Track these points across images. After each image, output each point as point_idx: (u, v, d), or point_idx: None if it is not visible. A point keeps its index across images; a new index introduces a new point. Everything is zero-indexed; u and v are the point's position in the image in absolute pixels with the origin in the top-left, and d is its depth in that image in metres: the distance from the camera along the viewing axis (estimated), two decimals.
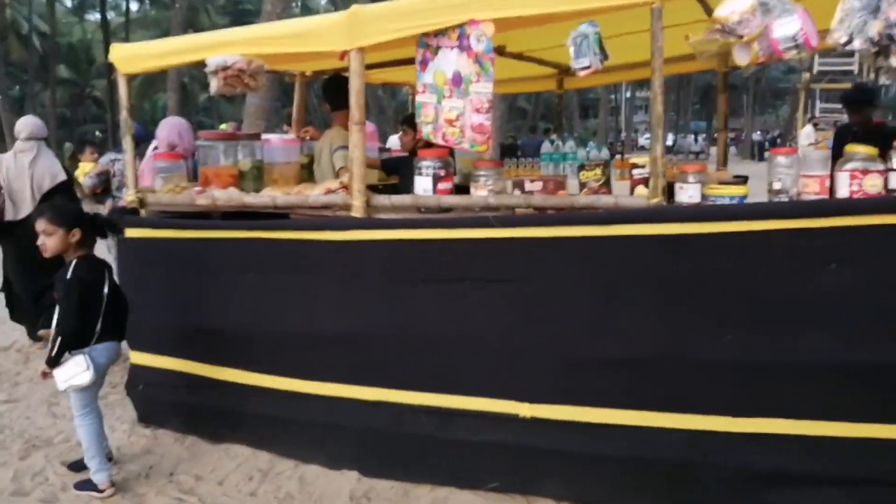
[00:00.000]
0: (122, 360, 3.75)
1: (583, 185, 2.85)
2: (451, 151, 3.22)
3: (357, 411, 3.07)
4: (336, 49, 3.02)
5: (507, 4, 2.68)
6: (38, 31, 33.46)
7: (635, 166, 2.81)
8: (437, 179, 3.04)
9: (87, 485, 3.03)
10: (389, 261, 3.01)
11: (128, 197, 3.62)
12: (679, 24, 3.28)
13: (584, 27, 2.65)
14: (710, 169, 4.09)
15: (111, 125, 31.89)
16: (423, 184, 3.07)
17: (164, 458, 3.37)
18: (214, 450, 3.41)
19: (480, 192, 3.00)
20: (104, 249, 4.34)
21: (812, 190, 2.56)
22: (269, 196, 3.36)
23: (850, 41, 2.34)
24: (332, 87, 4.15)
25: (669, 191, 2.70)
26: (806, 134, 15.45)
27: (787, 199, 2.59)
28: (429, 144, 3.13)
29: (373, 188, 3.34)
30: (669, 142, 38.27)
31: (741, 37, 2.45)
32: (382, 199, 3.10)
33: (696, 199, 2.65)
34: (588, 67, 2.63)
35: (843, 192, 2.55)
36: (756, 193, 2.77)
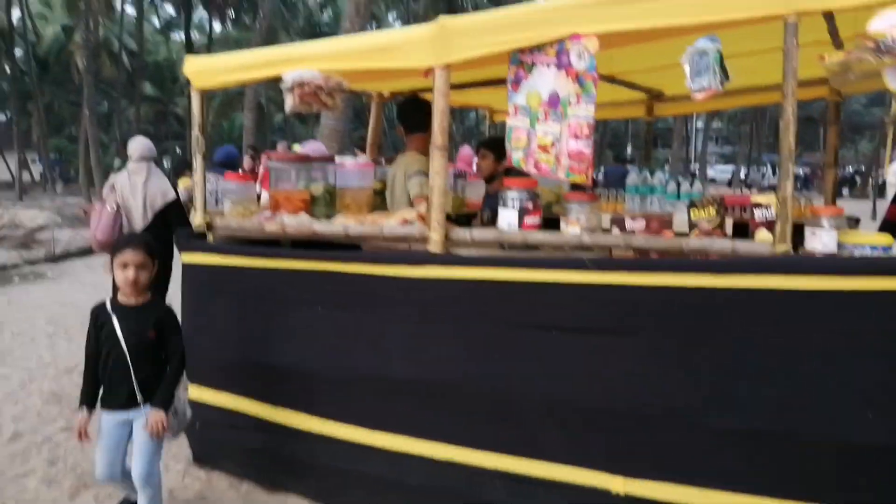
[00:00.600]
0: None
1: (692, 226, 2.49)
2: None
3: (424, 469, 2.77)
4: (421, 65, 2.76)
5: (616, 17, 2.36)
6: (127, 49, 34.96)
7: (757, 206, 2.43)
8: (523, 213, 2.74)
9: None
10: (467, 302, 2.71)
11: (195, 219, 3.45)
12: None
13: (703, 43, 2.31)
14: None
15: (190, 142, 32.88)
16: (507, 217, 2.76)
17: None
18: (271, 500, 3.17)
19: (572, 229, 2.68)
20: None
21: None
22: (341, 225, 3.11)
23: None
24: (409, 108, 3.91)
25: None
26: (894, 171, 14.48)
27: None
28: (509, 171, 2.85)
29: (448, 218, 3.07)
30: (742, 174, 36.93)
31: None
32: (462, 233, 2.81)
33: (832, 247, 2.25)
34: (706, 89, 2.29)
35: None
36: None
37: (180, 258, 3.47)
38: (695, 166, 33.14)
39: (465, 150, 6.67)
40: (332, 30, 33.64)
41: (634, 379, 2.41)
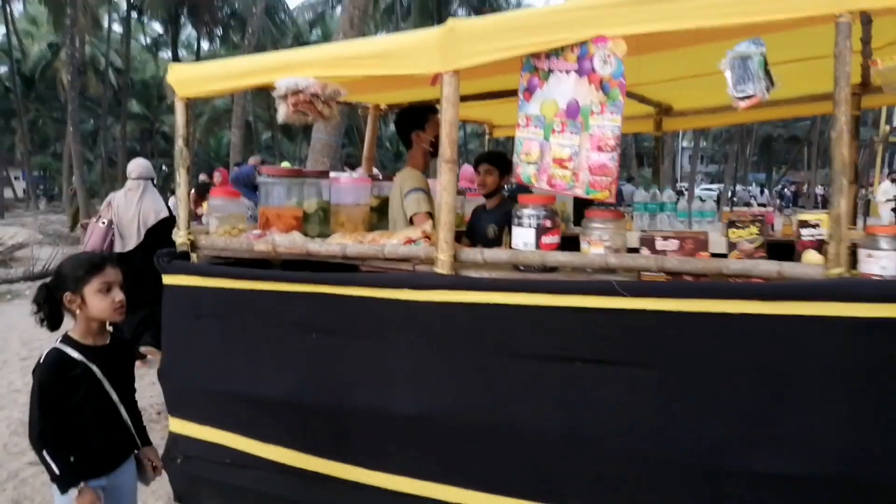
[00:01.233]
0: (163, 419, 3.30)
1: (731, 246, 2.25)
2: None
3: None
4: (427, 71, 2.53)
5: (647, 17, 2.13)
6: (113, 66, 34.68)
7: (804, 224, 2.21)
8: (541, 231, 2.50)
9: None
10: (480, 329, 2.45)
11: (178, 238, 3.17)
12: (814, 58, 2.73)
13: (745, 47, 2.09)
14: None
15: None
16: (523, 236, 2.52)
17: None
18: None
19: (595, 250, 2.44)
20: None
21: None
22: (338, 244, 2.86)
23: None
24: (404, 120, 3.67)
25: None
26: (884, 190, 14.42)
27: None
28: (519, 189, 2.61)
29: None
30: (729, 193, 36.90)
31: None
32: (473, 254, 2.56)
33: (892, 271, 2.02)
34: (751, 97, 2.07)
35: None
36: None
37: (162, 280, 3.19)
38: (681, 185, 33.02)
39: (466, 169, 6.48)
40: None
41: (668, 417, 2.16)
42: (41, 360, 2.14)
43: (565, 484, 2.32)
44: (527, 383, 2.37)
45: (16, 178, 38.94)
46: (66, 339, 2.20)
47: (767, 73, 2.08)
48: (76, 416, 2.15)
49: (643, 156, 46.03)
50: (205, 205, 9.40)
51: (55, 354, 2.15)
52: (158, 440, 3.99)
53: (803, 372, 1.99)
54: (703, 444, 2.11)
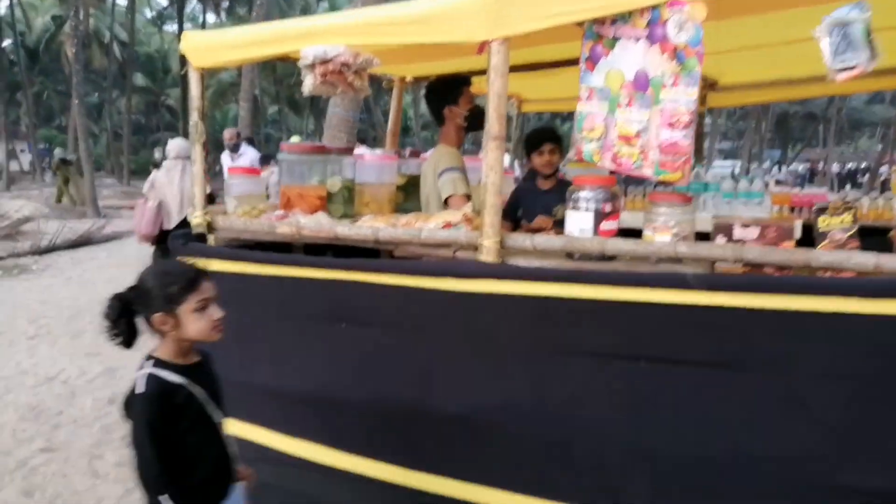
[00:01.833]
0: None
1: (821, 236, 2.02)
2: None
3: None
4: (473, 39, 2.27)
5: None
6: (118, 39, 34.27)
7: None
8: (600, 216, 2.26)
9: None
10: (530, 324, 2.23)
11: (194, 218, 2.95)
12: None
13: (845, 12, 1.83)
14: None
15: (183, 133, 32.35)
16: (580, 221, 2.29)
17: None
18: None
19: (662, 237, 2.20)
20: None
21: None
22: (370, 228, 2.63)
23: None
24: (435, 93, 3.42)
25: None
26: None
27: None
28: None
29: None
30: (745, 170, 36.35)
31: None
32: (521, 240, 2.32)
33: None
34: (852, 68, 1.81)
35: None
36: None
37: None
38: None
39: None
40: None
41: (745, 425, 1.94)
42: (138, 392, 1.76)
43: (627, 493, 2.11)
44: (584, 384, 2.15)
45: (21, 150, 38.67)
46: (158, 362, 1.83)
47: (870, 41, 1.83)
48: (182, 449, 1.78)
49: None
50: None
51: (156, 383, 1.78)
52: None
53: None
54: (783, 455, 1.90)
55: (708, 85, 4.13)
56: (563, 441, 2.17)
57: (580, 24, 2.19)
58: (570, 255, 2.32)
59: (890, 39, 2.03)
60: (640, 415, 2.07)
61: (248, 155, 8.35)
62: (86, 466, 3.31)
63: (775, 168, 32.70)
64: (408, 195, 3.90)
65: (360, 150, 3.63)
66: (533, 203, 3.75)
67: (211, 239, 2.95)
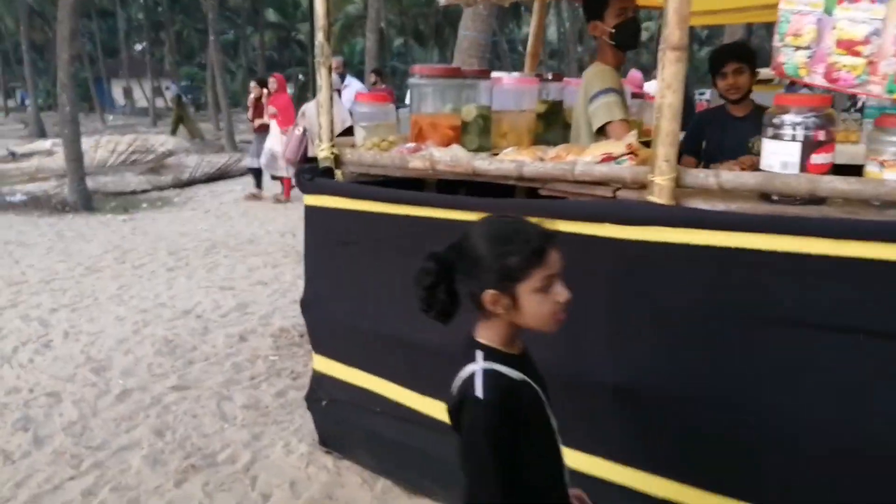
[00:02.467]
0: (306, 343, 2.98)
1: None
2: None
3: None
4: None
5: None
6: None
7: None
8: (809, 147, 1.78)
9: None
10: (715, 283, 1.82)
11: (320, 151, 2.71)
12: None
13: None
14: None
15: (311, 68, 32.91)
16: (782, 153, 1.81)
17: None
18: None
19: (893, 174, 1.70)
20: None
21: None
22: (513, 162, 2.27)
23: None
24: (586, 9, 2.95)
25: None
26: None
27: None
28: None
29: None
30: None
31: None
32: (703, 177, 1.89)
33: None
34: None
35: None
36: None
37: (303, 200, 2.77)
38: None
39: (635, 74, 5.67)
40: None
41: None
42: (476, 395, 1.30)
43: (832, 491, 1.70)
44: (779, 360, 1.73)
45: (167, 88, 40.96)
46: (491, 353, 1.38)
47: None
48: (521, 467, 1.31)
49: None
50: (264, 116, 9.13)
51: (496, 382, 1.32)
52: (301, 367, 3.75)
53: None
54: None
55: None
56: (748, 429, 1.78)
57: None
58: (765, 197, 1.86)
59: None
60: (855, 400, 1.63)
61: (353, 87, 8.12)
62: (215, 408, 3.27)
63: None
64: (549, 124, 3.49)
65: (498, 73, 3.24)
66: (720, 133, 3.23)
67: (338, 174, 2.70)
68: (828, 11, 1.72)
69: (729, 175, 1.86)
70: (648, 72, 8.06)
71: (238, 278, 5.66)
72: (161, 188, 11.06)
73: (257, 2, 34.43)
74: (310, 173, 2.70)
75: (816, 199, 1.79)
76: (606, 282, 1.98)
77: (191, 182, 11.62)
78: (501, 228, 1.39)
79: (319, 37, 2.62)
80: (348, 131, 5.15)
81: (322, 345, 2.82)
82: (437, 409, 2.43)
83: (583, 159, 2.15)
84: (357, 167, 2.69)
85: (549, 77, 3.43)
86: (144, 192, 10.77)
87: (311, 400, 2.91)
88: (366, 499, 2.59)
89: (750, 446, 1.79)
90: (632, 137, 2.16)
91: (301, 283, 5.38)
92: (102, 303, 4.93)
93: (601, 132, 2.66)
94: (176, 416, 3.20)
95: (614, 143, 2.19)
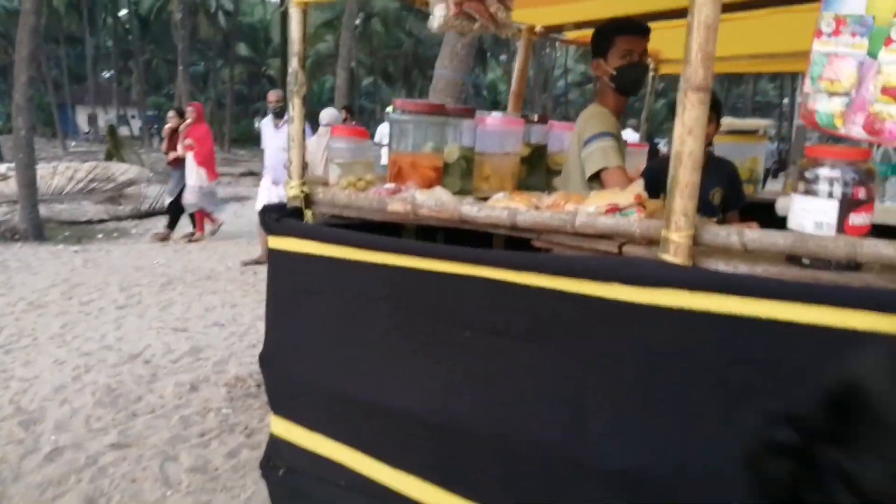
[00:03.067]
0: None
1: None
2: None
3: None
4: None
5: None
6: (223, 9, 34.98)
7: None
8: (848, 205, 1.58)
9: None
10: (738, 354, 1.59)
11: (289, 189, 2.44)
12: None
13: None
14: None
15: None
16: (816, 211, 1.61)
17: None
18: None
19: None
20: None
21: None
22: (505, 209, 2.03)
23: None
24: (592, 45, 2.74)
25: None
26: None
27: None
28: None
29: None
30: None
31: None
32: (726, 235, 1.67)
33: None
34: None
35: None
36: None
37: (267, 242, 2.49)
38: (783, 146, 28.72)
39: None
40: None
41: None
42: None
43: None
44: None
45: (132, 117, 40.36)
46: None
47: None
48: None
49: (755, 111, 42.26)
50: (179, 148, 8.59)
51: None
52: (257, 422, 3.42)
53: None
54: None
55: None
56: None
57: None
58: (793, 260, 1.65)
59: None
60: None
61: None
62: (157, 470, 2.90)
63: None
64: (532, 169, 3.30)
65: (483, 112, 3.04)
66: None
67: (308, 215, 2.44)
68: (872, 54, 1.54)
69: (754, 234, 1.64)
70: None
71: (193, 318, 5.30)
72: (119, 218, 10.64)
73: (229, 35, 34.32)
74: (277, 213, 2.43)
75: (853, 265, 1.58)
76: (616, 347, 1.74)
77: (150, 213, 11.20)
78: None
79: (294, 63, 2.38)
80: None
81: (282, 405, 2.51)
82: (411, 486, 2.15)
83: (584, 209, 1.93)
84: (330, 208, 2.43)
85: (535, 119, 3.24)
86: (101, 221, 10.33)
87: (267, 467, 2.58)
88: None
89: None
90: (639, 187, 1.94)
91: (260, 326, 5.12)
92: (42, 344, 4.53)
93: (595, 179, 2.45)
94: (112, 481, 2.83)
95: (619, 192, 1.97)
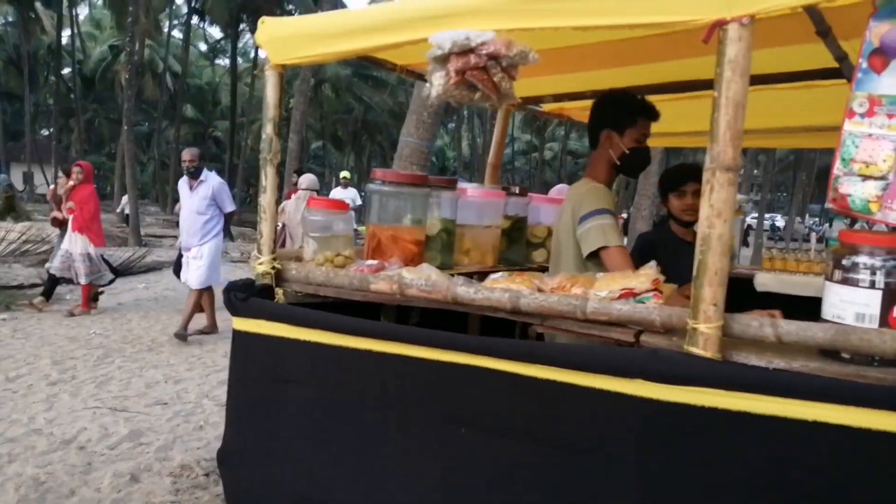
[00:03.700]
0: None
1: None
2: None
3: None
4: (699, 19, 1.51)
5: None
6: (171, 71, 34.77)
7: None
8: (892, 296, 1.45)
9: None
10: (776, 457, 1.43)
11: (258, 266, 2.21)
12: None
13: None
14: None
15: (228, 165, 32.36)
16: (857, 301, 1.48)
17: None
18: None
19: None
20: None
21: None
22: (505, 291, 1.85)
23: None
24: (606, 111, 2.58)
25: None
26: None
27: None
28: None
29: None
30: (780, 222, 34.39)
31: None
32: (758, 326, 1.52)
33: None
34: None
35: None
36: None
37: (232, 323, 2.24)
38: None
39: (563, 187, 5.48)
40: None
41: None
42: None
43: None
44: None
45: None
46: None
47: None
48: None
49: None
50: (64, 210, 8.03)
51: None
52: None
53: None
54: None
55: None
56: None
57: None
58: (830, 355, 1.51)
59: None
60: None
61: (210, 182, 6.70)
62: None
63: (810, 223, 30.92)
64: (512, 242, 3.16)
65: (464, 183, 2.91)
66: (673, 259, 2.92)
67: (279, 294, 2.20)
68: None
69: (790, 326, 1.50)
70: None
71: (133, 396, 4.87)
72: None
73: (176, 96, 34.02)
74: (243, 291, 2.19)
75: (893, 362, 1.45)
76: (639, 448, 1.55)
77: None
78: None
79: (269, 129, 2.19)
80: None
81: None
82: None
83: (595, 293, 1.77)
84: (303, 286, 2.21)
85: (516, 191, 3.12)
86: (33, 286, 9.69)
87: None
88: None
89: None
90: (653, 271, 1.80)
91: (207, 404, 4.75)
92: None
93: (592, 258, 2.30)
94: None
95: (631, 275, 1.82)
